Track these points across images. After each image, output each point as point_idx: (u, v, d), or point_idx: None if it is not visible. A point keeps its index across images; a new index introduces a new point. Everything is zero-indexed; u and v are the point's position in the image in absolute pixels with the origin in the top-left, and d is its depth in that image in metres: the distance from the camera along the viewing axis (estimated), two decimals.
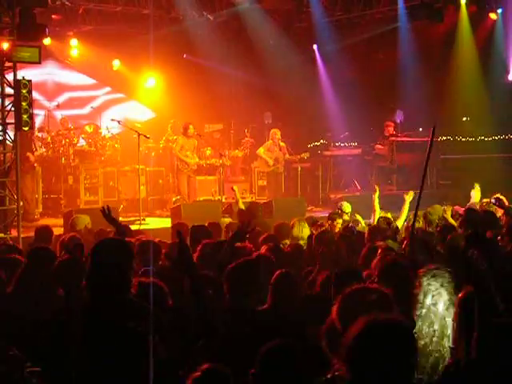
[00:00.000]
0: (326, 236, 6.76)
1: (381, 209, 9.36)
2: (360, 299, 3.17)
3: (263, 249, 6.00)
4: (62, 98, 16.89)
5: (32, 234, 8.56)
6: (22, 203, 11.36)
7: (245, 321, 4.05)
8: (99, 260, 3.70)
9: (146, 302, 3.56)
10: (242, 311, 4.20)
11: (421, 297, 3.41)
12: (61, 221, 11.21)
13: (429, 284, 3.44)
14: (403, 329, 2.58)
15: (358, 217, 9.31)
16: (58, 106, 16.00)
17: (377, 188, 9.50)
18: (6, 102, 11.19)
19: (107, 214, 5.60)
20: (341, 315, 3.12)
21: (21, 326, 4.28)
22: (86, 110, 17.16)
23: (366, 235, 7.22)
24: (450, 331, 3.29)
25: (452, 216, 8.61)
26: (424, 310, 3.38)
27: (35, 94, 12.68)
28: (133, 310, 3.48)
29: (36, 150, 13.64)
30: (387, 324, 2.57)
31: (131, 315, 3.41)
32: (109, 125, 15.18)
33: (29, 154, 12.46)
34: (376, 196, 9.29)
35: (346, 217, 9.15)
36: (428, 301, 3.40)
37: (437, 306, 3.38)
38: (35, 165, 12.98)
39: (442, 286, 3.43)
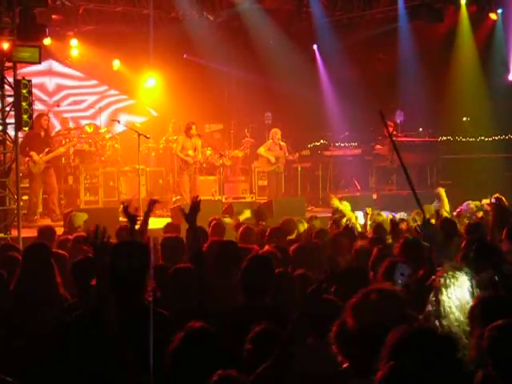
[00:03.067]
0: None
1: (382, 209, 9.40)
2: (377, 300, 3.09)
3: (266, 247, 5.98)
4: (62, 98, 16.91)
5: (32, 233, 8.56)
6: (22, 203, 11.36)
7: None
8: (117, 262, 3.65)
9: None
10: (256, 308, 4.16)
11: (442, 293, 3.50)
12: (61, 221, 11.22)
13: (449, 280, 3.52)
14: (446, 340, 2.54)
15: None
16: (58, 106, 16.01)
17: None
18: (6, 102, 11.19)
19: (125, 210, 5.46)
20: (356, 316, 3.06)
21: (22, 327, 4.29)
22: (86, 110, 17.17)
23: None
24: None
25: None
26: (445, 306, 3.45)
27: (35, 94, 12.67)
28: (145, 315, 3.44)
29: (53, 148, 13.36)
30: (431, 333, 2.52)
31: (142, 320, 3.39)
32: (109, 125, 15.19)
33: (32, 153, 12.43)
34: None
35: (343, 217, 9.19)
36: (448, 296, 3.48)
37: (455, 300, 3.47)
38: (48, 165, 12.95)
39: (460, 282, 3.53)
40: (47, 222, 12.09)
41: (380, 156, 16.15)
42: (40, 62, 11.36)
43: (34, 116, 11.41)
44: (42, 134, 12.75)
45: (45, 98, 16.53)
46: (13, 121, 10.94)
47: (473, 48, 17.05)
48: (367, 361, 2.79)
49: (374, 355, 2.73)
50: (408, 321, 2.93)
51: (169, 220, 12.15)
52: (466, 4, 16.26)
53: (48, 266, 4.96)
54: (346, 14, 16.44)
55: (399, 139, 16.06)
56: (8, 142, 11.36)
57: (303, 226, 8.12)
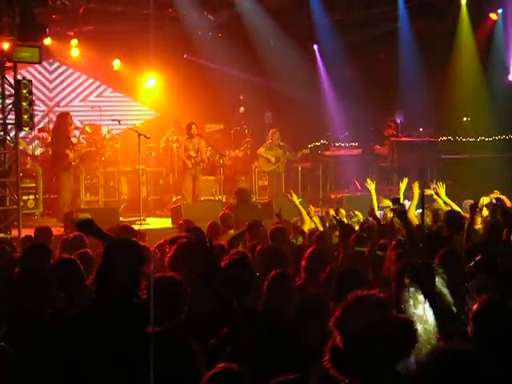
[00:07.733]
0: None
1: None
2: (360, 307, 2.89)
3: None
4: (62, 98, 16.91)
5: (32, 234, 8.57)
6: (22, 203, 11.36)
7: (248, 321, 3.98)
8: (111, 260, 3.64)
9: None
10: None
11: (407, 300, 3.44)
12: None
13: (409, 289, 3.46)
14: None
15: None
16: (59, 107, 16.02)
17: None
18: (6, 102, 11.20)
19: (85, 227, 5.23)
20: (342, 330, 2.83)
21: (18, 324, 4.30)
22: (87, 110, 17.16)
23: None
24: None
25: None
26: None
27: (36, 94, 12.70)
28: (136, 314, 3.44)
29: (75, 146, 13.42)
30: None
31: (134, 320, 3.39)
32: (109, 125, 15.18)
33: (67, 151, 12.54)
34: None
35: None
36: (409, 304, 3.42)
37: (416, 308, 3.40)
38: (73, 162, 13.01)
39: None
40: (48, 221, 12.09)
41: (380, 156, 16.16)
42: (40, 62, 11.40)
43: (58, 115, 11.61)
44: (66, 132, 12.82)
45: (45, 97, 16.55)
46: (13, 121, 10.97)
47: (473, 48, 17.06)
48: (373, 375, 2.68)
49: (375, 367, 2.67)
50: (398, 324, 2.80)
51: (169, 220, 12.18)
52: (466, 4, 16.27)
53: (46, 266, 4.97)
54: (345, 14, 16.45)
55: (399, 139, 16.08)
56: (8, 142, 11.38)
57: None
